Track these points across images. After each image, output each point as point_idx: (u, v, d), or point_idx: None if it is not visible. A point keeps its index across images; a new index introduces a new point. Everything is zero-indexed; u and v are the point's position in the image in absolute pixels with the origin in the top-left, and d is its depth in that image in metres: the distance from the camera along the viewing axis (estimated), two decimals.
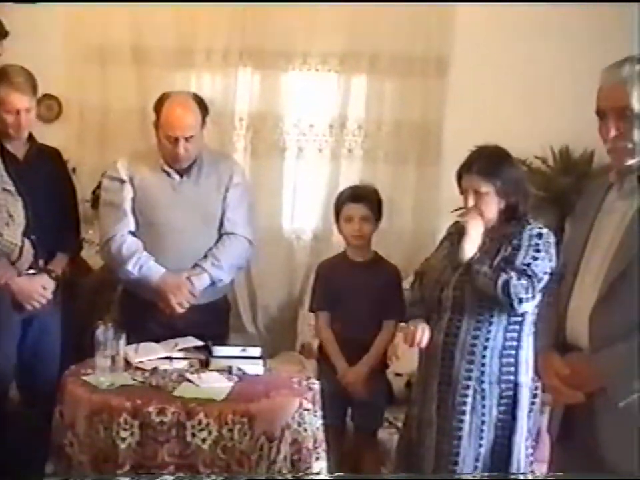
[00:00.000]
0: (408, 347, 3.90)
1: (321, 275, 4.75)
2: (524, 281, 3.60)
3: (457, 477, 3.67)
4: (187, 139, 4.32)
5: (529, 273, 3.63)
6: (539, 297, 3.60)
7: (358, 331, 4.48)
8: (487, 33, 5.68)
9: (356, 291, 4.51)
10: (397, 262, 4.87)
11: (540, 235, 3.69)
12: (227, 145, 5.83)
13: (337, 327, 4.56)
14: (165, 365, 4.02)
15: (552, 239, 3.70)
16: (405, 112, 5.78)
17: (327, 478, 3.64)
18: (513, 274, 3.60)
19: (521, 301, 3.61)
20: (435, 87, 5.76)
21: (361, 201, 4.55)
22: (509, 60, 5.73)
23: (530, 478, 3.72)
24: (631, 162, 2.91)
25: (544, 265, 3.64)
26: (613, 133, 2.88)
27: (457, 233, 3.96)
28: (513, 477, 3.75)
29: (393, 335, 4.50)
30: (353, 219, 4.54)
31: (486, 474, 3.70)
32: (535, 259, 3.65)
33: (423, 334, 3.77)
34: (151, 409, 3.52)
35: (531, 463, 3.82)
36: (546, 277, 3.60)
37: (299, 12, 5.68)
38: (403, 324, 3.90)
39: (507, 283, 3.59)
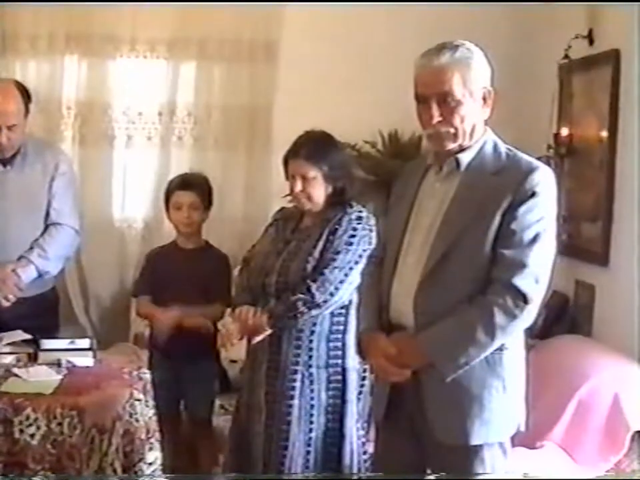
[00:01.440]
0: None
1: (148, 261, 4.73)
2: (315, 292, 3.62)
3: (285, 476, 3.70)
4: (9, 128, 4.24)
5: (333, 267, 3.65)
6: (351, 283, 3.65)
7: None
8: (316, 17, 5.69)
9: (183, 278, 4.48)
10: (229, 249, 4.88)
11: (359, 218, 3.72)
12: (55, 134, 5.68)
13: None
14: None
15: (372, 222, 3.73)
16: (234, 98, 5.74)
17: None
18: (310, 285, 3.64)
19: (318, 305, 3.64)
20: (264, 72, 5.73)
21: (190, 188, 4.54)
22: (338, 45, 5.75)
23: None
24: (451, 146, 2.99)
25: (355, 251, 3.66)
26: (436, 118, 2.96)
27: (283, 218, 3.98)
28: (347, 477, 3.81)
29: (217, 316, 4.48)
30: (182, 207, 4.53)
31: (314, 474, 3.73)
32: (350, 244, 3.67)
33: (252, 314, 3.75)
34: None
35: (363, 443, 3.86)
36: (362, 261, 3.63)
37: None
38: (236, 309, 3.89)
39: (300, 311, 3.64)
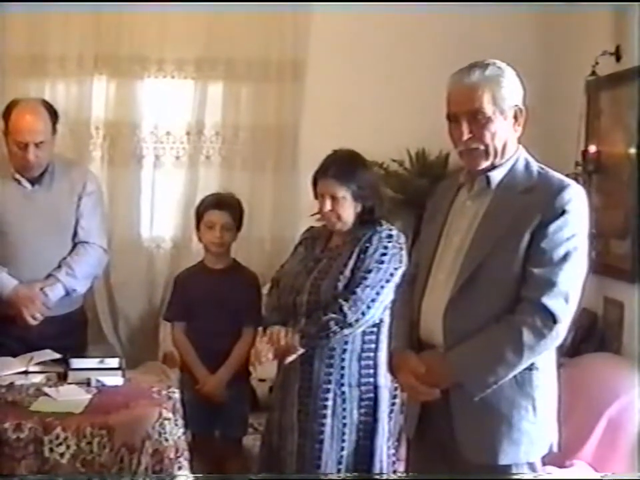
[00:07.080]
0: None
1: (177, 284, 4.73)
2: (346, 309, 3.65)
3: (322, 476, 3.70)
4: (37, 145, 4.26)
5: (364, 285, 3.68)
6: (383, 302, 3.68)
7: (217, 338, 4.47)
8: (343, 36, 5.70)
9: (213, 299, 4.49)
10: (258, 269, 4.89)
11: (390, 237, 3.75)
12: (84, 154, 5.69)
13: (196, 336, 4.53)
14: (21, 380, 3.94)
15: (402, 240, 3.77)
16: (261, 117, 5.75)
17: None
18: (342, 303, 3.66)
19: (351, 324, 3.67)
20: (291, 91, 5.74)
21: (224, 208, 4.54)
22: (364, 64, 5.76)
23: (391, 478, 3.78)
24: (483, 163, 2.99)
25: (387, 270, 3.69)
26: (466, 135, 2.96)
27: (312, 237, 3.99)
28: (377, 476, 3.80)
29: (252, 342, 4.50)
30: (215, 226, 4.52)
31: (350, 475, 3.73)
32: (381, 262, 3.69)
33: (283, 334, 3.76)
34: (6, 425, 3.45)
35: (394, 462, 3.86)
36: (393, 279, 3.66)
37: (152, 18, 5.61)
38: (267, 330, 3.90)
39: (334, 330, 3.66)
